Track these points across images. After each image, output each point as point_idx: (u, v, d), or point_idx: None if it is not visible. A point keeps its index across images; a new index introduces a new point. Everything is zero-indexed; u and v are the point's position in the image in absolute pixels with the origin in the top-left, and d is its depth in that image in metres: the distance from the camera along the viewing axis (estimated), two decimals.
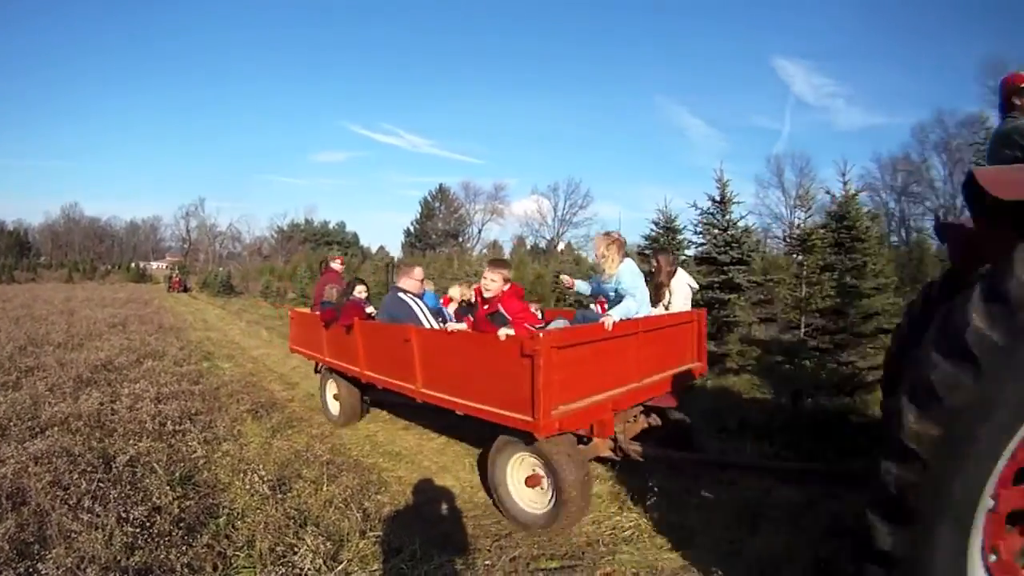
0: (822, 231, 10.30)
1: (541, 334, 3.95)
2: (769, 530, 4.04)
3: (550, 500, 4.32)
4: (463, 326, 5.23)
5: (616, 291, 5.11)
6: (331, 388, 7.41)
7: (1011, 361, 1.95)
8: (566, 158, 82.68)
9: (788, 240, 12.75)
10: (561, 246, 53.21)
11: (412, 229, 68.78)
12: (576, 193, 60.96)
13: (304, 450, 5.95)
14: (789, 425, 6.53)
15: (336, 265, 8.91)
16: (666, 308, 5.82)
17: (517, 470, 4.57)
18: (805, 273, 10.18)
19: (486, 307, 4.97)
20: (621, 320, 4.66)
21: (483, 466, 5.12)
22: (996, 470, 2.06)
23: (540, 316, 5.47)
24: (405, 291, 6.06)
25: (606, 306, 5.19)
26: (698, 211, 11.08)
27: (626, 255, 5.24)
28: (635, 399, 4.91)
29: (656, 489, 4.57)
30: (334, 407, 7.35)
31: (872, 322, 8.98)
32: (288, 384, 9.85)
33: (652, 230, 12.00)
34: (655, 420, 5.44)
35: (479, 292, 5.43)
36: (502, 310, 4.78)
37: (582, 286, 5.77)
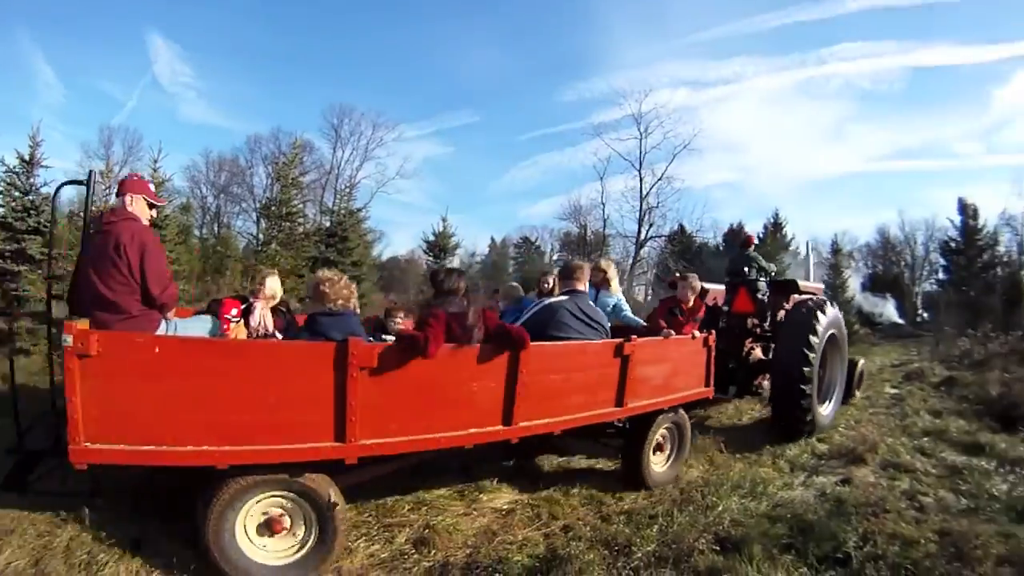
0: None
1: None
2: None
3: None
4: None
5: (615, 307, 6.28)
6: (253, 511, 3.45)
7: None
8: None
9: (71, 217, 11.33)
10: None
11: None
12: None
13: None
14: None
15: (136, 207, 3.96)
16: None
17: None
18: None
19: (679, 311, 6.53)
20: None
21: None
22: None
23: None
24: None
25: None
26: (2, 168, 10.19)
27: None
28: None
29: None
30: (284, 548, 3.55)
31: None
32: None
33: None
34: None
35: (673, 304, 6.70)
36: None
37: None
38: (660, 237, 40.99)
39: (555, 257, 47.99)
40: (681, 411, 5.67)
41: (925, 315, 38.46)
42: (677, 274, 7.81)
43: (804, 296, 8.48)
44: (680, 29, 72.08)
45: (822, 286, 10.61)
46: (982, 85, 67.62)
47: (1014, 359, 13.68)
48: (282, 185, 11.57)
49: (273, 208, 11.21)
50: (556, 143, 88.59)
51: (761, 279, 8.78)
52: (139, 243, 3.66)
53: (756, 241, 9.96)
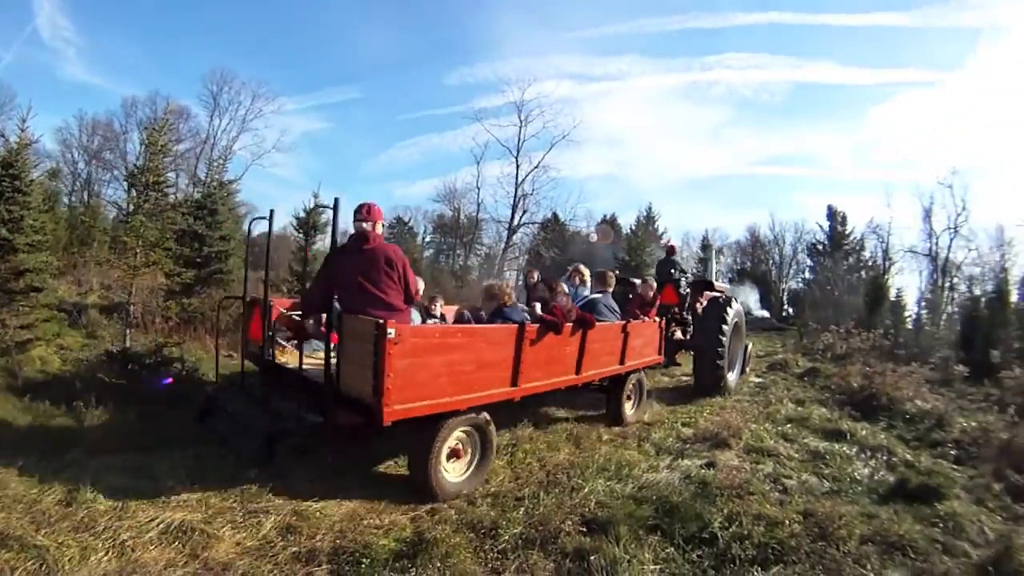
0: None
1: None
2: None
3: None
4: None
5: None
6: (451, 442, 4.80)
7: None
8: None
9: None
10: None
11: None
12: None
13: None
14: None
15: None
16: None
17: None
18: None
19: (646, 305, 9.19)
20: None
21: None
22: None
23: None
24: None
25: None
26: None
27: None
28: None
29: None
30: (460, 467, 4.94)
31: (24, 279, 8.91)
32: None
33: None
34: None
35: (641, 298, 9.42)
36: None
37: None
38: (533, 224, 42.11)
39: (427, 239, 47.63)
40: (642, 372, 8.10)
41: (790, 310, 40.82)
42: (617, 271, 11.05)
43: (716, 293, 11.46)
44: (570, 23, 73.54)
45: (728, 286, 15.01)
46: (861, 104, 71.36)
47: (875, 354, 14.95)
48: (151, 152, 10.55)
49: (142, 176, 10.20)
50: (437, 125, 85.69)
51: (683, 278, 11.60)
52: (402, 259, 4.95)
53: (678, 248, 13.36)
